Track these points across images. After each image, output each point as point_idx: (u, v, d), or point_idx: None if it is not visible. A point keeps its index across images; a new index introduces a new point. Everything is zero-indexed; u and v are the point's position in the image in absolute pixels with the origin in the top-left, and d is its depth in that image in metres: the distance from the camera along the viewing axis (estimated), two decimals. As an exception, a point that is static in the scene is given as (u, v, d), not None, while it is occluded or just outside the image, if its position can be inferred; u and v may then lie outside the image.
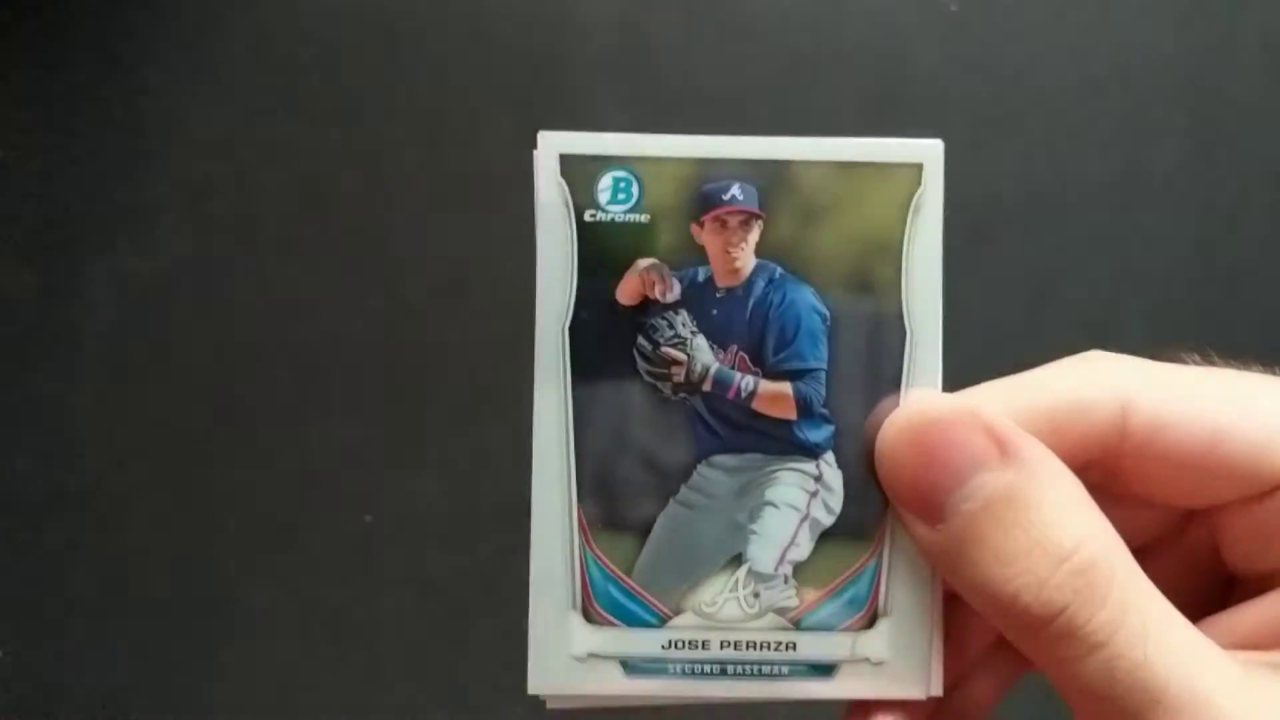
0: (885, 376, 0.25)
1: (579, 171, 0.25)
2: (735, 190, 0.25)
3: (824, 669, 0.25)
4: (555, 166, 0.25)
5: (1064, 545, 0.22)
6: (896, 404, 0.25)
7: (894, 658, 0.25)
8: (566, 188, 0.25)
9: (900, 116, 0.49)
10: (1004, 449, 0.23)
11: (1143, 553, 0.25)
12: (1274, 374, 0.26)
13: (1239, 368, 0.26)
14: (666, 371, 0.25)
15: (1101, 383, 0.25)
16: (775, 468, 0.25)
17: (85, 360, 0.48)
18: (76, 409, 0.48)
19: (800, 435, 0.25)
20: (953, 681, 0.28)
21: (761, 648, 0.25)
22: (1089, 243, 0.49)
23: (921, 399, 0.25)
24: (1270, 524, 0.24)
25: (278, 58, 0.49)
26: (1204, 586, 0.27)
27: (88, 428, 0.48)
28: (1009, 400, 0.25)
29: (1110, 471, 0.25)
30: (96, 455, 0.48)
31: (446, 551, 0.50)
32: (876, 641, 0.25)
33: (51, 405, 0.48)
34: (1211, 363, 0.26)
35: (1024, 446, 0.23)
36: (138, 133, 0.48)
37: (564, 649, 0.25)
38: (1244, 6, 0.49)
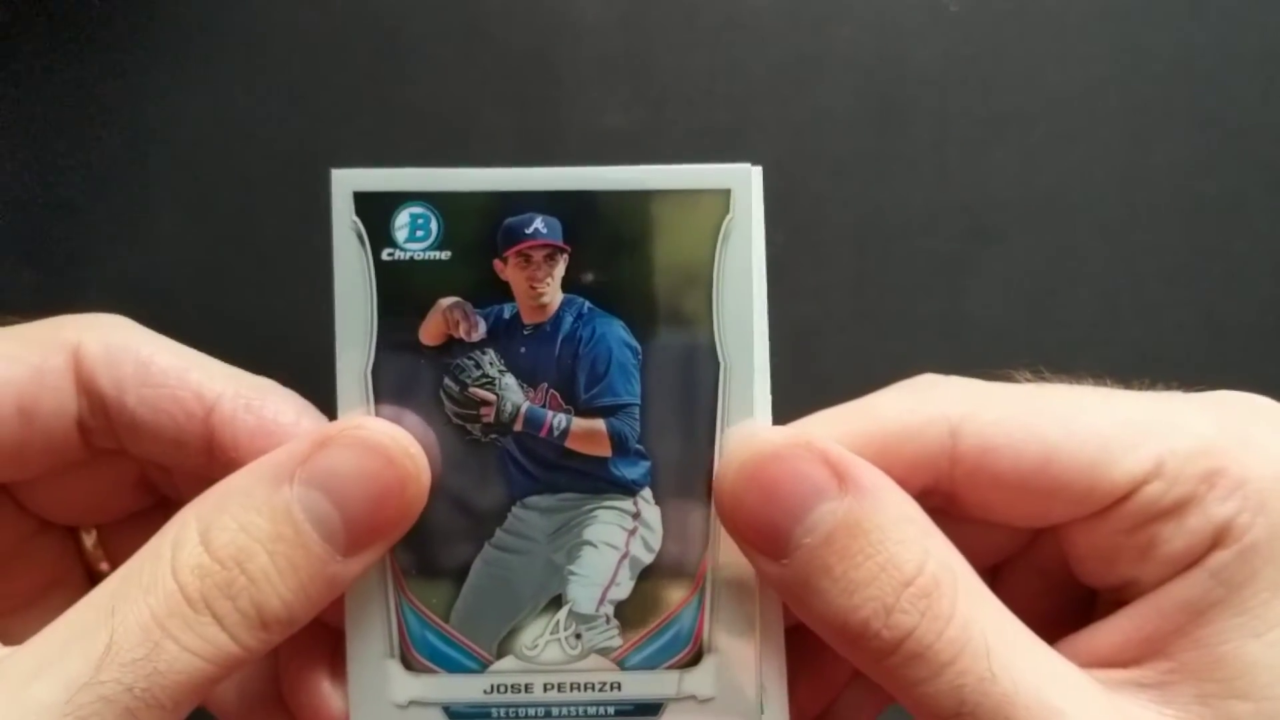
0: (701, 409, 0.24)
1: (375, 209, 0.24)
2: (539, 224, 0.24)
3: (650, 708, 0.25)
4: (349, 205, 0.24)
5: (907, 569, 0.22)
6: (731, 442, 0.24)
7: (722, 694, 0.25)
8: (362, 226, 0.24)
9: (900, 116, 0.49)
10: (842, 478, 0.22)
11: (997, 571, 0.25)
12: (1104, 385, 0.25)
13: (1071, 382, 0.25)
14: (475, 413, 0.24)
15: (929, 409, 0.24)
16: (592, 507, 0.25)
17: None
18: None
19: (616, 472, 0.25)
20: (816, 715, 0.28)
21: (586, 689, 0.25)
22: (1089, 243, 0.49)
23: (755, 435, 0.24)
24: (1110, 541, 0.24)
25: (278, 58, 0.48)
26: (1065, 602, 0.26)
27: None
28: (840, 428, 0.24)
29: (947, 495, 0.25)
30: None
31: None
32: (703, 678, 0.25)
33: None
34: (1044, 379, 0.25)
35: (862, 474, 0.23)
36: (138, 133, 0.47)
37: (385, 697, 0.25)
38: (1244, 6, 0.49)
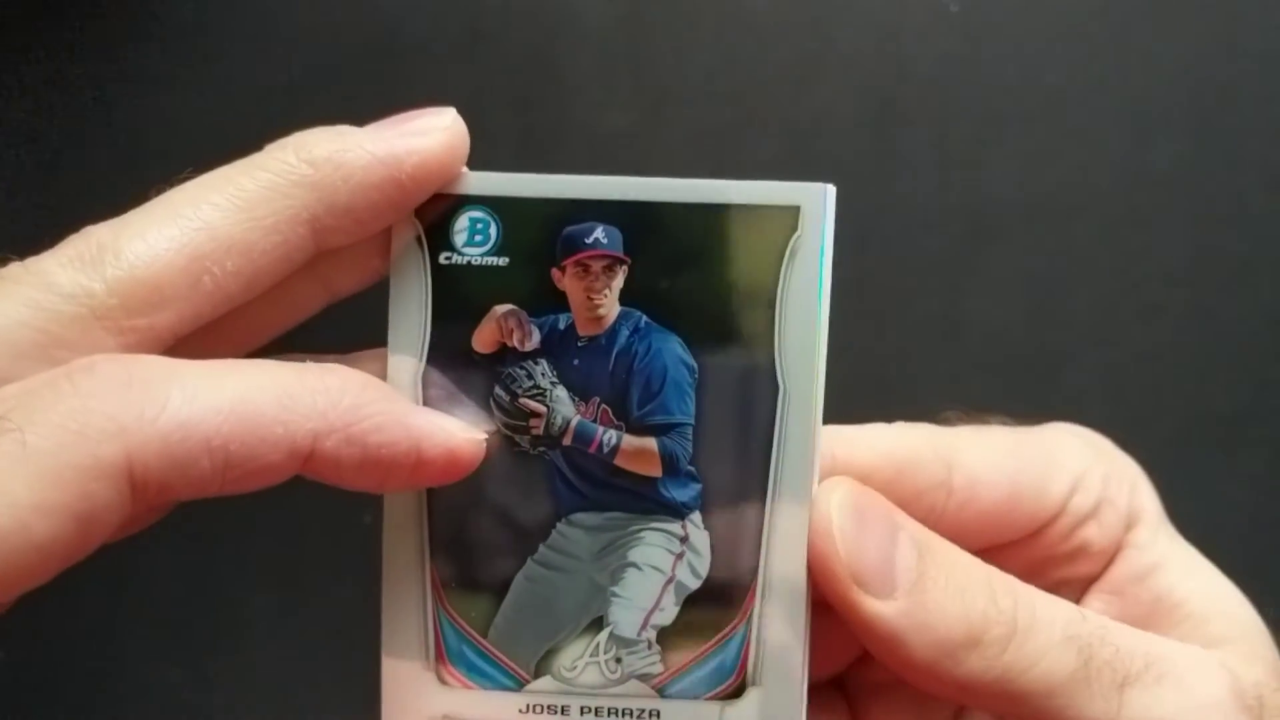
0: (757, 434, 0.23)
1: (435, 211, 0.24)
2: (599, 233, 0.23)
3: None
4: None
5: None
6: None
7: None
8: (420, 228, 0.24)
9: (900, 116, 0.48)
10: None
11: None
12: (1013, 424, 0.28)
13: (980, 423, 0.28)
14: (525, 424, 0.24)
15: (931, 447, 0.27)
16: (639, 527, 0.24)
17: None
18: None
19: (666, 494, 0.24)
20: None
21: (624, 715, 0.24)
22: (1089, 243, 0.48)
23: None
24: (1047, 551, 0.27)
25: (277, 58, 0.49)
26: None
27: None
28: (869, 447, 0.26)
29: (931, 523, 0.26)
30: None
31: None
32: (745, 712, 0.24)
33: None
34: (964, 420, 0.28)
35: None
36: (138, 133, 0.48)
37: (418, 711, 0.24)
38: (1244, 6, 0.48)
